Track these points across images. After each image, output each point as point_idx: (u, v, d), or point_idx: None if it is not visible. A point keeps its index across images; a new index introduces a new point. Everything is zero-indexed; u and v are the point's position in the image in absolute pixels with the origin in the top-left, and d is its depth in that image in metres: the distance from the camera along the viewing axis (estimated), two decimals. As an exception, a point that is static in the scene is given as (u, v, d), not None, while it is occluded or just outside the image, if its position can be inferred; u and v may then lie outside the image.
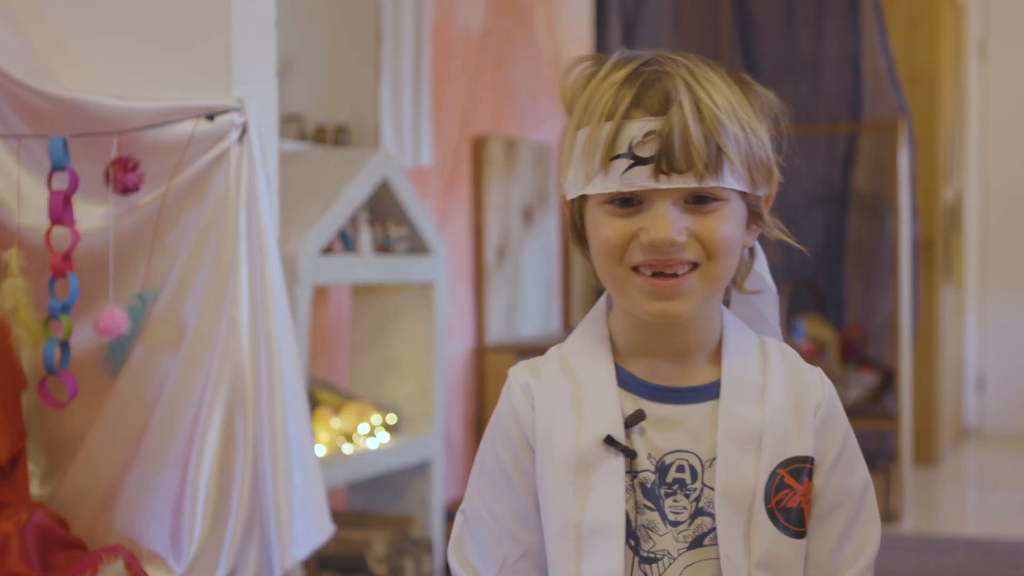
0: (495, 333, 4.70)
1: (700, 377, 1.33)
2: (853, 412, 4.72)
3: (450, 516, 3.90)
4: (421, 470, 3.49)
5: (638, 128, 1.25)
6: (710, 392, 1.32)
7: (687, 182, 1.24)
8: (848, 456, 1.34)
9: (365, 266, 3.16)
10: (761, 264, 1.42)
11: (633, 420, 1.30)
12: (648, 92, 1.26)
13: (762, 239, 1.40)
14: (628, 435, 1.30)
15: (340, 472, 3.07)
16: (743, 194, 1.29)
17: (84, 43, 2.43)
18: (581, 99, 1.31)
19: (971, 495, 5.45)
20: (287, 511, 2.31)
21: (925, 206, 5.68)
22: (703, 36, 5.41)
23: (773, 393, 1.32)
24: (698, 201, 1.26)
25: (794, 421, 1.32)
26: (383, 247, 3.30)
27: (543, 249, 5.15)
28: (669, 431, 1.31)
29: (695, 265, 1.27)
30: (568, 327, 5.34)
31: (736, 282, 1.38)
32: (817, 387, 1.35)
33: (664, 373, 1.33)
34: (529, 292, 5.01)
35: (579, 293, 5.44)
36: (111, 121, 2.29)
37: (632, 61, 1.29)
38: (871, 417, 4.83)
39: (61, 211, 2.24)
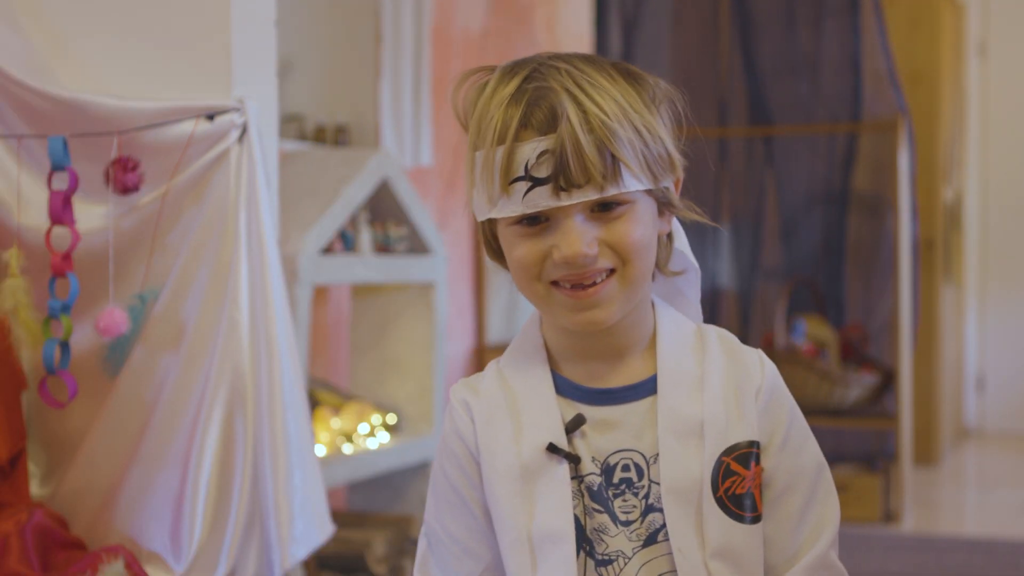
0: (495, 333, 4.71)
1: (637, 374, 1.33)
2: (853, 412, 4.76)
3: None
4: (421, 470, 3.49)
5: (531, 149, 1.24)
6: (647, 388, 1.32)
7: (588, 195, 1.24)
8: (796, 436, 1.33)
9: (365, 266, 3.16)
10: (681, 242, 1.41)
11: (573, 425, 1.30)
12: (535, 110, 1.25)
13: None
14: (570, 440, 1.30)
15: (340, 472, 3.07)
16: (648, 190, 1.29)
17: (84, 43, 2.43)
18: (473, 119, 1.31)
19: (971, 495, 5.45)
20: (287, 511, 2.31)
21: (925, 206, 5.68)
22: (703, 36, 5.41)
23: (711, 382, 1.32)
24: (604, 208, 1.26)
25: (735, 407, 1.31)
26: (383, 247, 3.30)
27: (543, 249, 5.15)
28: (610, 432, 1.31)
29: (612, 271, 1.27)
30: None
31: (659, 266, 1.37)
32: (756, 370, 1.34)
33: (601, 375, 1.33)
34: (529, 292, 5.01)
35: (579, 293, 5.43)
36: (111, 121, 2.29)
37: (517, 75, 1.28)
38: (871, 417, 4.83)
39: (61, 211, 2.24)
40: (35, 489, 2.41)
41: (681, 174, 1.33)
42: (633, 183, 1.26)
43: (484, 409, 1.34)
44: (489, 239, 1.35)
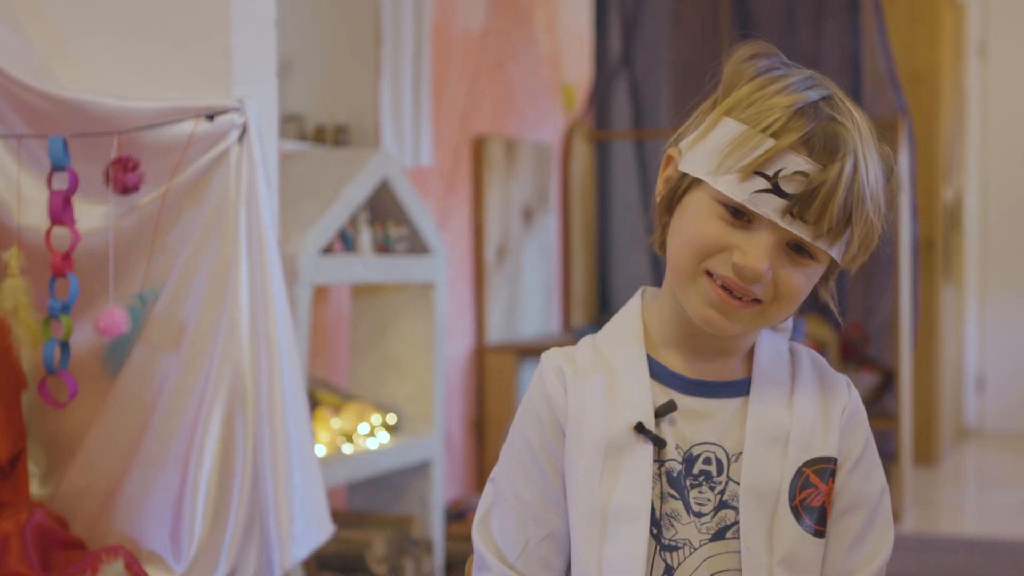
0: (495, 333, 4.70)
1: (731, 373, 1.35)
2: (853, 412, 4.75)
3: (450, 516, 3.90)
4: (421, 470, 3.49)
5: (794, 163, 1.24)
6: (740, 388, 1.35)
7: (805, 232, 1.25)
8: (868, 460, 1.36)
9: (365, 266, 3.16)
10: None
11: (664, 410, 1.32)
12: (819, 135, 1.25)
13: None
14: (658, 424, 1.32)
15: (340, 472, 3.07)
16: (831, 259, 1.31)
17: (84, 43, 2.43)
18: (744, 90, 1.29)
19: (971, 495, 5.44)
20: (287, 511, 2.31)
21: (925, 206, 5.68)
22: (703, 36, 5.41)
23: (801, 395, 1.35)
24: (796, 249, 1.27)
25: (821, 422, 1.34)
26: (383, 247, 3.30)
27: (543, 249, 5.15)
28: (698, 423, 1.33)
29: (757, 301, 1.28)
30: (568, 327, 5.34)
31: None
32: (844, 392, 1.37)
33: (696, 367, 1.35)
34: (529, 292, 5.01)
35: (579, 293, 5.44)
36: (111, 121, 2.29)
37: (814, 88, 1.28)
38: (871, 417, 4.80)
39: (61, 211, 2.24)
40: (35, 489, 2.41)
41: (858, 265, 1.35)
42: (836, 250, 1.28)
43: (580, 381, 1.35)
44: (675, 191, 1.32)
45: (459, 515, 3.99)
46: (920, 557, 4.06)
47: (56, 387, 2.34)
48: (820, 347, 4.86)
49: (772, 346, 1.37)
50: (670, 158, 1.34)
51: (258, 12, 2.45)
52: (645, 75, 5.54)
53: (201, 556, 2.27)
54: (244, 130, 2.31)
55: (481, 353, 4.65)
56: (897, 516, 4.63)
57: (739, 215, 1.27)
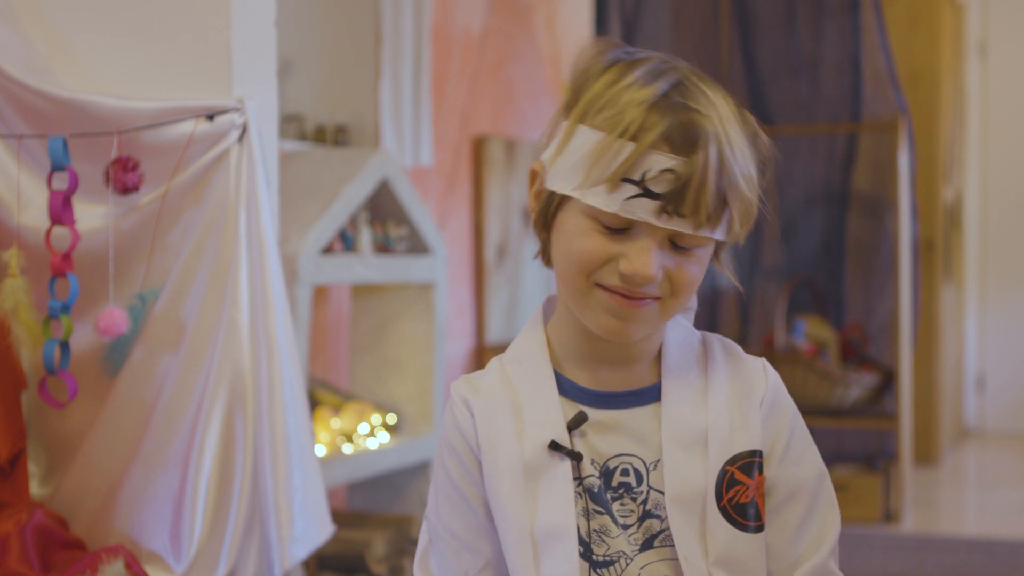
0: (495, 333, 4.70)
1: (641, 380, 1.33)
2: (853, 412, 4.75)
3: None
4: (421, 470, 3.49)
5: (658, 162, 1.22)
6: (651, 395, 1.32)
7: (684, 226, 1.23)
8: (798, 446, 1.33)
9: (365, 266, 3.16)
10: None
11: (575, 423, 1.30)
12: (678, 129, 1.22)
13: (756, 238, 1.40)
14: (571, 439, 1.30)
15: (340, 472, 3.07)
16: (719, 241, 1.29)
17: (84, 43, 2.43)
18: (596, 90, 1.26)
19: (971, 495, 5.45)
20: (287, 511, 2.31)
21: (925, 206, 5.68)
22: (703, 36, 5.41)
23: (715, 391, 1.32)
24: (681, 244, 1.26)
25: (739, 416, 1.31)
26: (383, 247, 3.30)
27: (543, 249, 5.14)
28: (611, 435, 1.30)
29: (656, 298, 1.27)
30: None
31: None
32: (760, 379, 1.34)
33: (605, 379, 1.32)
34: (529, 292, 5.01)
35: (579, 293, 5.43)
36: (111, 121, 2.29)
37: (661, 78, 1.25)
38: (871, 417, 4.83)
39: (61, 211, 2.24)
40: (35, 489, 2.41)
41: (742, 239, 1.32)
42: (719, 232, 1.26)
43: (485, 405, 1.33)
44: (546, 208, 1.30)
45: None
46: (920, 557, 4.06)
47: (56, 387, 2.34)
48: (820, 347, 4.86)
49: (681, 343, 1.35)
50: (535, 173, 1.32)
51: (258, 12, 2.45)
52: (645, 75, 5.53)
53: (201, 556, 2.27)
54: (244, 130, 2.31)
55: (481, 353, 4.65)
56: (897, 516, 4.63)
57: (615, 226, 1.24)
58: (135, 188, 2.28)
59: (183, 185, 2.32)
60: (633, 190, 1.22)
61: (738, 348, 1.37)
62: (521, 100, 5.05)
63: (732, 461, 1.29)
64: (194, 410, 2.29)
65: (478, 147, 4.67)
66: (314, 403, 3.22)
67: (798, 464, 1.33)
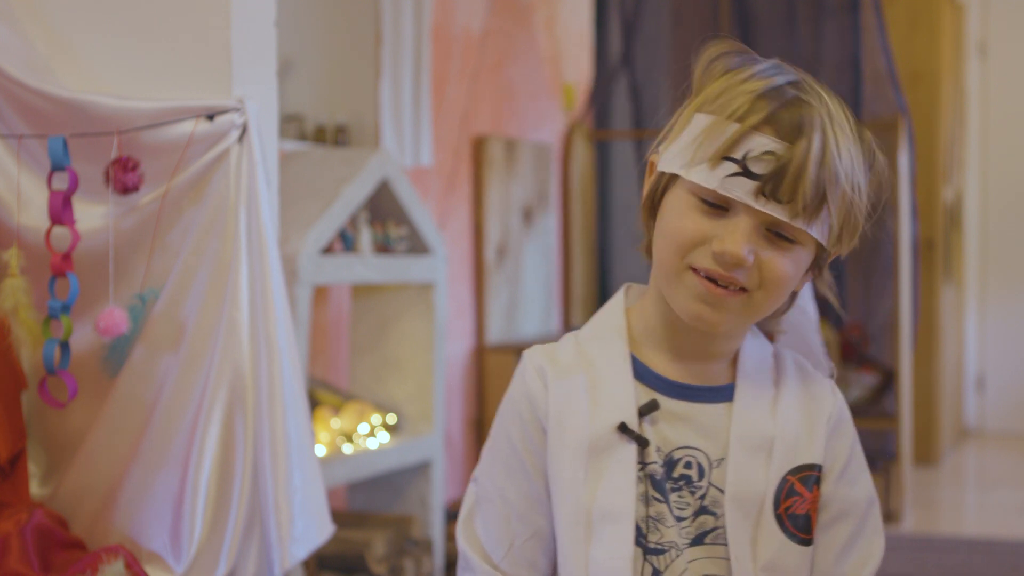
0: (495, 333, 4.70)
1: (715, 378, 1.34)
2: (853, 412, 4.74)
3: (450, 516, 3.90)
4: (421, 470, 3.49)
5: (760, 143, 1.24)
6: (724, 394, 1.33)
7: (780, 213, 1.24)
8: (855, 467, 1.36)
9: (365, 266, 3.16)
10: (803, 297, 1.43)
11: (647, 409, 1.31)
12: (784, 113, 1.25)
13: None
14: (640, 425, 1.31)
15: (340, 472, 3.07)
16: (818, 246, 1.30)
17: (84, 43, 2.43)
18: (714, 86, 1.29)
19: (971, 495, 5.44)
20: (287, 511, 2.30)
21: (925, 206, 5.68)
22: (703, 36, 5.40)
23: (786, 402, 1.34)
24: (777, 234, 1.26)
25: (805, 429, 1.33)
26: (383, 247, 3.30)
27: (543, 249, 5.15)
28: (680, 426, 1.32)
29: (744, 290, 1.27)
30: (568, 327, 5.34)
31: (770, 319, 1.39)
32: (829, 398, 1.37)
33: (680, 370, 1.34)
34: (529, 292, 5.01)
35: (579, 293, 5.44)
36: (111, 121, 2.29)
37: (780, 75, 1.29)
38: (871, 417, 4.83)
39: (61, 211, 2.24)
40: (35, 489, 2.41)
41: (844, 253, 1.34)
42: (817, 231, 1.26)
43: (561, 379, 1.34)
44: (656, 193, 1.32)
45: (459, 515, 3.98)
46: (920, 557, 4.06)
47: (56, 387, 2.34)
48: (820, 347, 4.86)
49: (757, 352, 1.36)
50: (652, 164, 1.34)
51: (258, 12, 2.45)
52: (645, 75, 5.54)
53: (201, 556, 2.26)
54: (244, 130, 2.31)
55: (481, 353, 4.65)
56: (897, 516, 4.63)
57: (715, 205, 1.26)
58: (135, 188, 2.28)
59: (183, 185, 2.32)
60: (733, 168, 1.24)
61: (809, 366, 1.40)
62: (521, 100, 5.05)
63: (794, 471, 1.31)
64: (194, 410, 2.28)
65: (478, 147, 4.67)
66: (314, 403, 3.22)
67: (853, 486, 1.35)
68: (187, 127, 2.29)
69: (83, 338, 2.37)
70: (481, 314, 4.66)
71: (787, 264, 1.27)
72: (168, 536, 2.28)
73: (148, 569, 2.24)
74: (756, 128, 1.24)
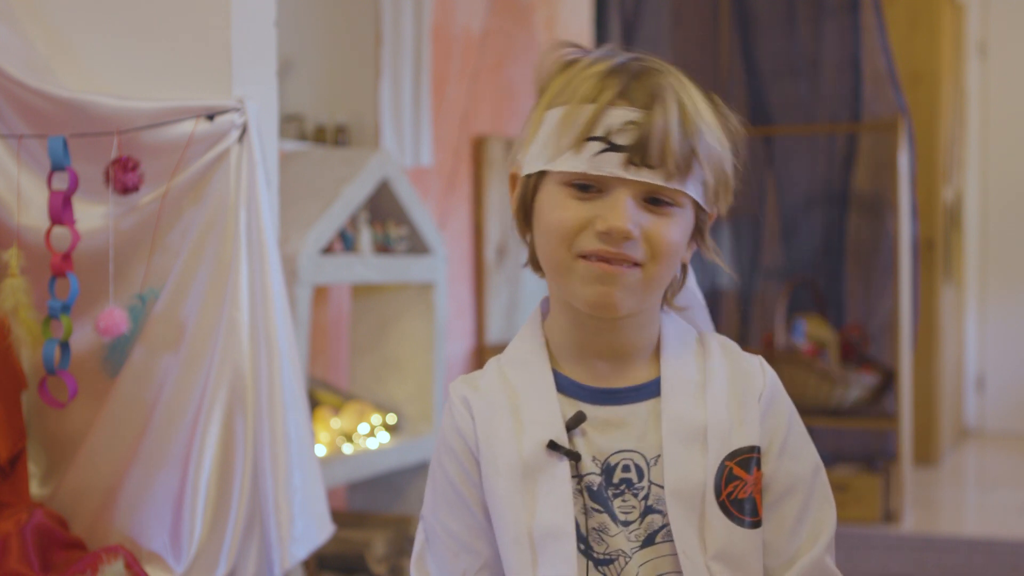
0: (495, 333, 4.70)
1: (639, 376, 1.33)
2: (853, 412, 4.75)
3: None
4: (421, 470, 3.49)
5: (619, 116, 1.25)
6: (650, 391, 1.33)
7: (654, 178, 1.25)
8: (795, 441, 1.34)
9: (365, 266, 3.16)
10: (691, 279, 1.43)
11: (574, 423, 1.30)
12: (635, 85, 1.26)
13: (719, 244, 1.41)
14: (570, 439, 1.30)
15: (340, 472, 3.07)
16: (695, 207, 1.30)
17: (84, 43, 2.43)
18: (558, 81, 1.30)
19: (971, 495, 5.45)
20: (287, 511, 2.31)
21: (925, 206, 5.68)
22: (703, 36, 5.41)
23: (714, 387, 1.33)
24: (654, 202, 1.27)
25: (737, 413, 1.32)
26: (383, 247, 3.30)
27: (543, 249, 5.15)
28: (611, 432, 1.31)
29: (637, 265, 1.27)
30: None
31: (667, 297, 1.38)
32: (758, 375, 1.35)
33: (602, 375, 1.33)
34: (529, 292, 5.01)
35: (579, 293, 5.43)
36: (111, 121, 2.29)
37: (618, 56, 1.30)
38: (871, 417, 4.83)
39: (61, 211, 2.24)
40: (35, 489, 2.41)
41: (723, 210, 1.35)
42: (692, 189, 1.28)
43: (484, 406, 1.34)
44: (526, 198, 1.33)
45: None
46: (920, 557, 4.06)
47: (56, 387, 2.34)
48: (820, 347, 4.86)
49: (678, 341, 1.35)
50: (513, 177, 1.35)
51: (258, 12, 2.45)
52: (645, 75, 5.54)
53: (201, 556, 2.27)
54: (244, 130, 2.31)
55: (481, 353, 4.65)
56: (897, 516, 4.63)
57: (588, 188, 1.27)
58: (135, 188, 2.28)
59: (183, 185, 2.32)
60: (599, 146, 1.25)
61: (735, 345, 1.38)
62: (521, 100, 5.05)
63: (731, 456, 1.30)
64: (194, 410, 2.29)
65: (478, 147, 4.67)
66: (314, 403, 3.22)
67: (795, 460, 1.34)
68: (187, 127, 2.29)
69: (83, 338, 2.37)
70: (481, 314, 4.67)
71: (672, 230, 1.28)
72: (168, 536, 2.28)
73: (148, 569, 2.24)
74: (611, 103, 1.25)
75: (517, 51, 5.01)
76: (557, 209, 1.28)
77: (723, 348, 1.37)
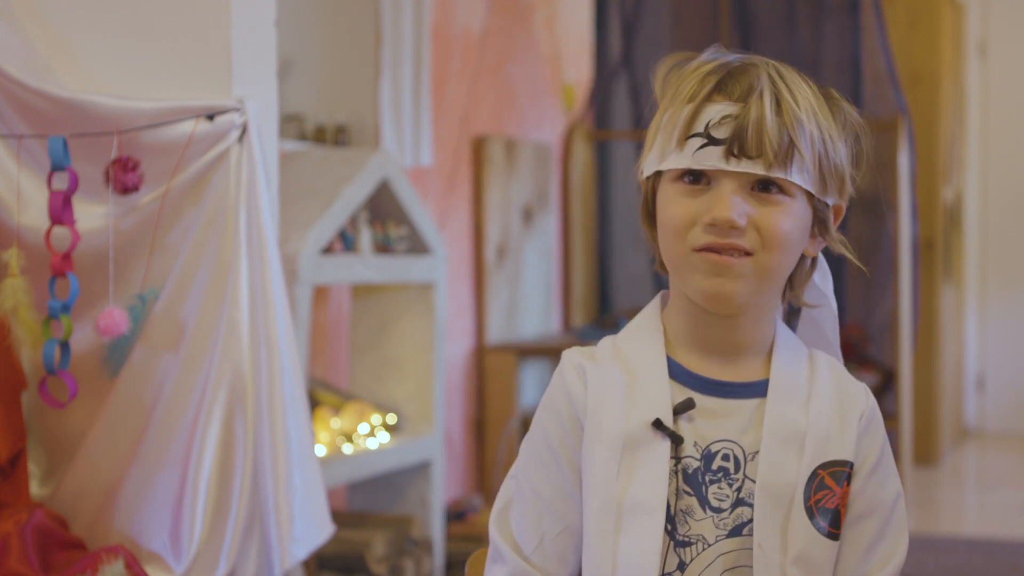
0: (495, 333, 4.70)
1: (750, 374, 1.37)
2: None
3: (450, 516, 3.90)
4: (421, 470, 3.49)
5: (716, 111, 1.29)
6: (758, 389, 1.36)
7: (755, 168, 1.28)
8: (884, 467, 1.38)
9: (365, 266, 3.16)
10: (824, 280, 1.47)
11: (682, 408, 1.34)
12: (732, 80, 1.31)
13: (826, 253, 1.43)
14: (676, 422, 1.34)
15: (340, 472, 3.07)
16: (810, 197, 1.34)
17: (84, 43, 2.43)
18: (670, 87, 1.35)
19: (971, 495, 5.44)
20: (287, 511, 2.31)
21: (925, 206, 5.68)
22: (703, 36, 5.41)
23: (819, 399, 1.36)
24: (763, 189, 1.30)
25: (837, 426, 1.36)
26: (383, 247, 3.30)
27: (543, 249, 5.15)
28: (716, 421, 1.35)
29: (748, 255, 1.30)
30: (568, 327, 5.34)
31: (794, 290, 1.43)
32: (862, 397, 1.39)
33: (714, 367, 1.37)
34: (529, 292, 5.01)
35: (579, 293, 5.44)
36: (111, 121, 2.29)
37: (725, 56, 1.35)
38: (871, 417, 4.82)
39: (61, 211, 2.24)
40: (35, 489, 2.41)
41: (846, 203, 1.38)
42: (798, 177, 1.30)
43: (599, 375, 1.37)
44: (648, 201, 1.38)
45: (459, 515, 3.99)
46: (920, 557, 4.06)
47: (56, 387, 2.34)
48: (820, 347, 4.86)
49: (790, 351, 1.39)
50: (642, 183, 1.40)
51: (258, 12, 2.45)
52: (645, 75, 5.54)
53: (201, 556, 2.27)
54: (244, 130, 2.31)
55: (481, 353, 4.65)
56: (897, 516, 4.63)
57: (697, 182, 1.31)
58: (135, 188, 2.28)
59: (183, 185, 2.32)
60: (699, 141, 1.29)
61: (843, 368, 1.43)
62: (521, 100, 5.05)
63: (825, 466, 1.34)
64: (194, 410, 2.29)
65: (478, 147, 4.67)
66: (314, 403, 3.22)
67: (881, 485, 1.37)
68: (187, 127, 2.29)
69: (83, 338, 2.37)
70: (481, 314, 4.66)
71: (782, 219, 1.31)
72: (168, 536, 2.28)
73: (148, 569, 2.24)
74: (708, 99, 1.30)
75: (517, 51, 5.01)
76: (670, 206, 1.32)
77: (831, 367, 1.41)
